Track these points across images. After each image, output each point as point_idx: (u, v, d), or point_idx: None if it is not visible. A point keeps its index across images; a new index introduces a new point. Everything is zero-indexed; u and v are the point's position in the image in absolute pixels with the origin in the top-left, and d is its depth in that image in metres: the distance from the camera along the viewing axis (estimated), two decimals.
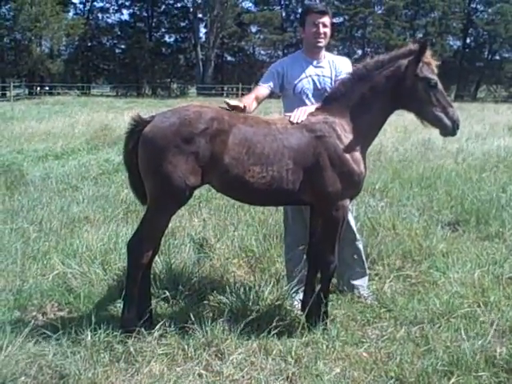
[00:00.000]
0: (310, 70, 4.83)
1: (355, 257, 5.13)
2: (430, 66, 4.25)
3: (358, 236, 5.19)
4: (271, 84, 4.79)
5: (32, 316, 4.58)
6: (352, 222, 5.10)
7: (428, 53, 4.23)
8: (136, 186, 4.33)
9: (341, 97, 4.33)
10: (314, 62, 4.85)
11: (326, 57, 4.92)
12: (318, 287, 4.47)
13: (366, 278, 5.24)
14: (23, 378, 3.62)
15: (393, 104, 4.38)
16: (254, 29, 66.97)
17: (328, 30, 4.78)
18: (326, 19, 4.76)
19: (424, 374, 3.64)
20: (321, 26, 4.72)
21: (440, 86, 4.26)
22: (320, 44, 4.78)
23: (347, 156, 4.16)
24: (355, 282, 5.14)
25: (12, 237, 6.25)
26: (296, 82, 4.81)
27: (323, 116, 4.26)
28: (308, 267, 4.58)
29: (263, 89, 4.78)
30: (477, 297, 4.91)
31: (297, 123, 4.22)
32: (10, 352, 3.70)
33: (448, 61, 61.50)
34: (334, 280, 5.22)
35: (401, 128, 16.84)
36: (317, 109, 4.37)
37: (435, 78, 4.23)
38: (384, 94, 4.30)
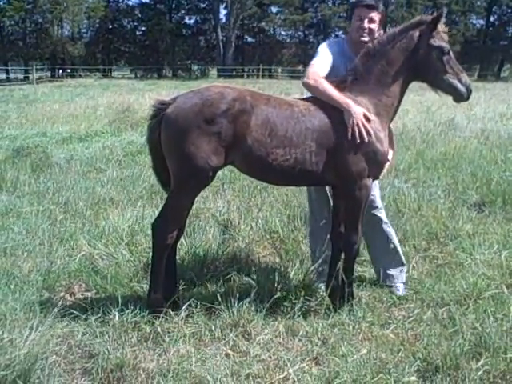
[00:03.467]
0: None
1: (391, 246, 4.98)
2: (441, 34, 4.22)
3: (385, 219, 5.02)
4: (327, 68, 4.47)
5: (60, 296, 4.64)
6: (380, 204, 5.00)
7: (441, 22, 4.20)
8: (159, 170, 4.36)
9: (359, 75, 4.27)
10: (354, 55, 4.58)
11: None
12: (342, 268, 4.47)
13: (401, 268, 4.99)
14: (54, 356, 3.67)
15: (409, 76, 4.33)
16: (274, 9, 66.49)
17: (375, 26, 4.49)
18: (374, 14, 4.47)
19: (452, 355, 3.62)
20: (366, 20, 4.47)
21: (451, 53, 4.24)
22: (363, 39, 4.47)
23: (371, 135, 4.14)
24: (389, 272, 4.98)
25: (39, 218, 6.33)
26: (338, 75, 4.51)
27: (345, 96, 4.21)
28: (332, 248, 4.57)
29: (324, 71, 4.43)
30: (504, 278, 4.89)
31: (320, 104, 4.18)
32: (39, 331, 3.74)
33: (471, 40, 60.62)
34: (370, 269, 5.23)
35: (423, 108, 16.67)
36: (338, 90, 4.28)
37: (447, 45, 4.21)
38: (400, 66, 4.25)
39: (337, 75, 4.42)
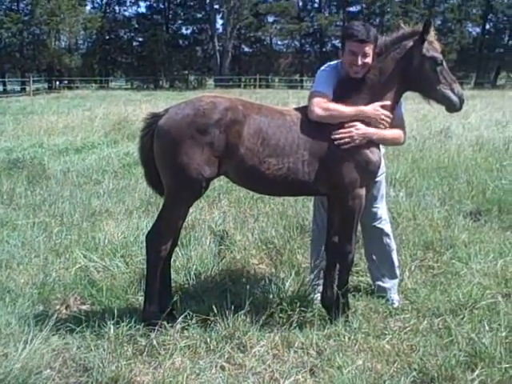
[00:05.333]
0: None
1: (389, 258, 4.98)
2: (433, 44, 4.22)
3: (387, 231, 4.98)
4: (330, 92, 4.32)
5: (55, 309, 4.62)
6: (384, 216, 4.97)
7: (432, 32, 4.20)
8: (153, 181, 4.36)
9: (352, 86, 4.27)
10: None
11: None
12: (337, 279, 4.47)
13: (396, 281, 5.00)
14: (48, 370, 3.66)
15: (402, 86, 4.31)
16: (270, 19, 66.81)
17: (369, 59, 4.18)
18: (368, 48, 4.15)
19: (447, 365, 3.61)
20: (360, 56, 4.15)
21: (445, 63, 4.23)
22: (357, 75, 4.22)
23: (363, 145, 4.14)
24: (383, 284, 4.97)
25: (34, 231, 6.32)
26: None
27: None
28: (326, 259, 4.56)
29: (329, 98, 4.25)
30: (500, 287, 4.90)
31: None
32: (34, 345, 3.74)
33: (467, 48, 60.88)
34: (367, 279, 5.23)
35: (420, 116, 16.71)
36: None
37: (440, 56, 4.21)
38: (392, 76, 4.24)
39: None
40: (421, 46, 4.17)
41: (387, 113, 4.21)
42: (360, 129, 4.12)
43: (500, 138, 12.86)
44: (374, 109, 4.18)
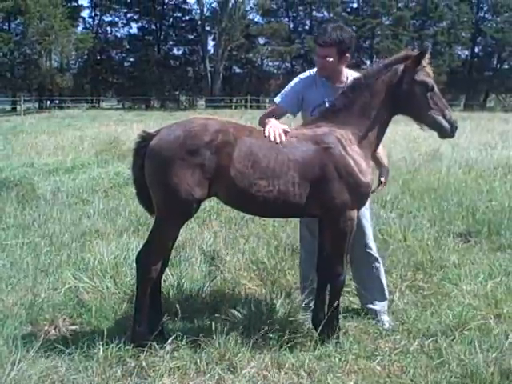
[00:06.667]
0: (329, 93, 4.63)
1: (378, 281, 4.99)
2: (426, 69, 4.24)
3: (375, 255, 5.00)
4: (290, 105, 4.77)
5: (44, 330, 4.57)
6: (371, 242, 5.00)
7: (426, 57, 4.24)
8: (145, 201, 4.36)
9: (343, 107, 4.31)
10: (330, 83, 4.68)
11: (349, 76, 4.68)
12: (328, 300, 4.46)
13: (385, 303, 5.00)
14: None
15: (392, 110, 4.35)
16: (261, 41, 67.24)
17: (331, 60, 4.51)
18: (329, 51, 4.47)
19: None
20: (320, 58, 4.55)
21: (436, 88, 4.25)
22: (321, 74, 4.66)
23: (354, 167, 4.16)
24: (373, 307, 4.96)
25: (24, 251, 6.27)
26: (314, 107, 4.68)
27: (328, 128, 4.24)
28: (317, 280, 4.56)
29: (280, 110, 4.76)
30: (490, 309, 4.88)
31: (302, 135, 4.23)
32: (22, 367, 3.69)
33: (457, 70, 61.53)
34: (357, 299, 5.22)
35: (410, 138, 16.80)
36: (320, 121, 4.33)
37: (432, 81, 4.23)
38: (384, 100, 4.27)
39: (315, 105, 4.65)
40: (412, 71, 4.20)
41: (283, 136, 4.21)
42: (273, 125, 4.34)
43: (489, 159, 12.96)
44: (274, 124, 4.33)
